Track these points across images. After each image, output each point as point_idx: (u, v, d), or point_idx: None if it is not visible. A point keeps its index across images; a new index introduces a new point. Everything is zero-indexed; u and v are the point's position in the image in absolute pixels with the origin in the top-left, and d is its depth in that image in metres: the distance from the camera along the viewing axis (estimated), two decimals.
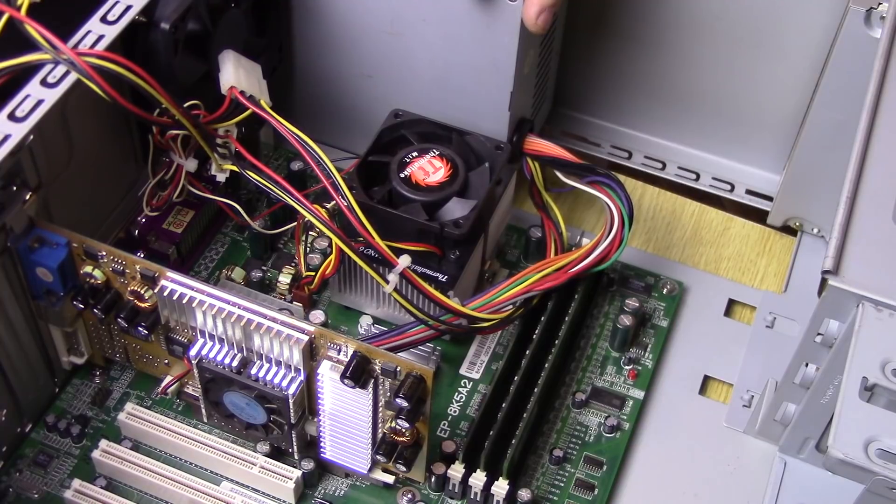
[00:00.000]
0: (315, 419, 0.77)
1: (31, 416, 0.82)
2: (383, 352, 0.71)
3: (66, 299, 0.77)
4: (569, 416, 0.85)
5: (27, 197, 0.72)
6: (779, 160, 1.02)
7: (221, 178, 0.84)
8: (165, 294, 0.73)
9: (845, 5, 0.82)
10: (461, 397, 0.86)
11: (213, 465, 0.80)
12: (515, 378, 0.81)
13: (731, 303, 0.94)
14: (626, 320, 0.87)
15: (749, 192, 1.03)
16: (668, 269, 0.95)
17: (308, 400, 0.76)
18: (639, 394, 0.87)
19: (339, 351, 0.72)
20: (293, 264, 0.91)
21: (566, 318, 0.85)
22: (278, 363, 0.74)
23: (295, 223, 0.89)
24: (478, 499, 0.79)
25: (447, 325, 0.80)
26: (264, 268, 0.92)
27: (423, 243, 0.82)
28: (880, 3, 0.81)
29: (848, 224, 0.68)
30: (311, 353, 0.73)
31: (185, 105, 0.78)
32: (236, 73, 0.82)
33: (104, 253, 0.75)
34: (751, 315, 0.93)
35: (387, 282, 0.77)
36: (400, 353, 0.76)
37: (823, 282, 0.66)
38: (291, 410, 0.75)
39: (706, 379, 0.89)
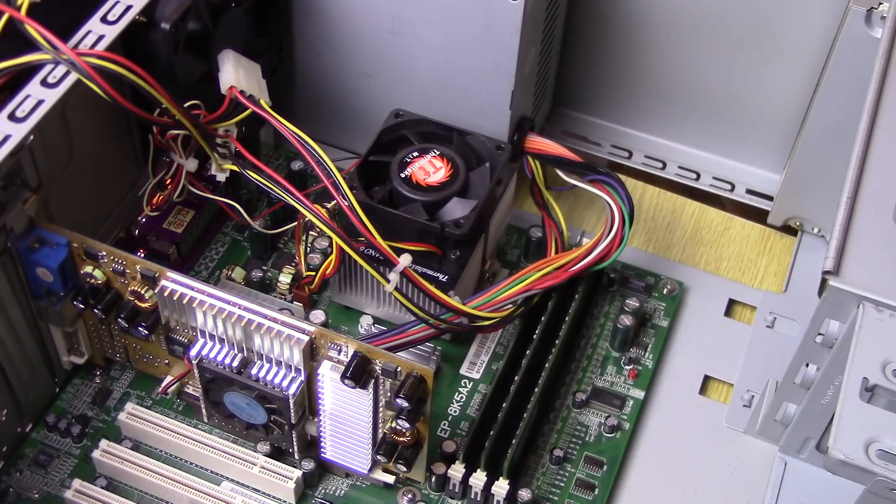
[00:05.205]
0: (315, 419, 0.77)
1: (32, 416, 0.82)
2: (384, 352, 0.71)
3: (67, 299, 0.77)
4: (569, 415, 0.85)
5: (27, 197, 0.72)
6: (779, 160, 1.02)
7: (222, 177, 0.84)
8: (166, 294, 0.73)
9: (846, 5, 0.82)
10: (461, 397, 0.86)
11: (213, 465, 0.80)
12: (516, 378, 0.81)
13: (732, 303, 0.94)
14: (627, 320, 0.87)
15: (749, 191, 1.03)
16: (668, 269, 0.95)
17: (308, 400, 0.76)
18: (639, 394, 0.87)
19: (340, 351, 0.72)
20: (293, 264, 0.91)
21: (566, 318, 0.85)
22: (279, 363, 0.74)
23: (295, 223, 0.89)
24: (478, 499, 0.79)
25: (448, 324, 0.80)
26: (265, 268, 0.92)
27: (423, 243, 0.82)
28: (881, 3, 0.81)
29: (848, 224, 0.68)
30: (312, 354, 0.73)
31: (186, 105, 0.78)
32: (236, 73, 0.82)
33: (104, 253, 0.75)
34: (751, 315, 0.93)
35: (388, 281, 0.77)
36: (400, 353, 0.76)
37: (824, 282, 0.66)
38: (292, 410, 0.75)
39: (706, 379, 0.89)
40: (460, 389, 0.86)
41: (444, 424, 0.84)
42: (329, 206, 0.81)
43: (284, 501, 0.79)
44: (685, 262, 0.97)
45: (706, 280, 0.95)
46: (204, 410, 0.80)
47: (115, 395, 0.85)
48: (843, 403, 0.61)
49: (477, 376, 0.87)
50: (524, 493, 0.78)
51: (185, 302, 0.73)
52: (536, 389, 0.81)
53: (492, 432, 0.78)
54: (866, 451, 0.60)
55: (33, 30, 0.70)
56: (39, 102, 0.71)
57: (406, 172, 0.84)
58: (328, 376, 0.72)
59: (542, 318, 0.85)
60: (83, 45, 0.74)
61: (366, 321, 0.89)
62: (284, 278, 0.89)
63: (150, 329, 0.76)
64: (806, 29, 0.92)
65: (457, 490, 0.79)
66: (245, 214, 0.89)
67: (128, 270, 0.75)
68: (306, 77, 0.98)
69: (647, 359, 0.89)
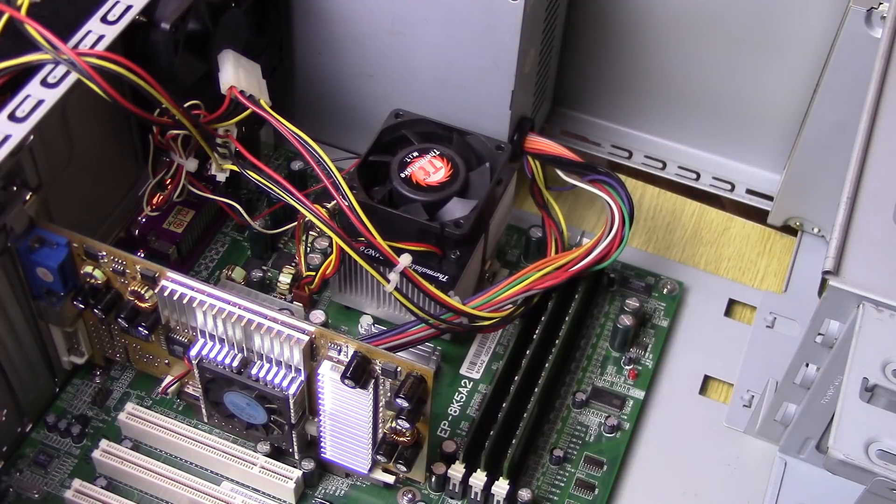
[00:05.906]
0: (315, 419, 0.77)
1: (32, 416, 0.82)
2: (384, 352, 0.71)
3: (67, 299, 0.77)
4: (569, 415, 0.85)
5: (27, 197, 0.72)
6: (779, 160, 1.02)
7: (221, 177, 0.84)
8: (166, 294, 0.73)
9: (846, 5, 0.82)
10: (461, 397, 0.86)
11: (213, 465, 0.80)
12: (516, 378, 0.81)
13: (732, 303, 0.94)
14: (627, 320, 0.87)
15: (749, 191, 1.03)
16: (668, 269, 0.95)
17: (308, 400, 0.76)
18: (639, 394, 0.87)
19: (340, 351, 0.72)
20: (293, 264, 0.91)
21: (566, 318, 0.85)
22: (279, 363, 0.74)
23: (295, 223, 0.89)
24: (478, 499, 0.79)
25: (448, 324, 0.80)
26: (265, 267, 0.92)
27: (423, 243, 0.82)
28: (881, 3, 0.81)
29: (848, 224, 0.68)
30: (312, 354, 0.73)
31: (186, 105, 0.78)
32: (236, 73, 0.82)
33: (104, 253, 0.75)
34: (751, 315, 0.93)
35: (388, 281, 0.77)
36: (400, 353, 0.76)
37: (824, 282, 0.66)
38: (292, 410, 0.75)
39: (706, 379, 0.89)
40: (460, 389, 0.86)
41: (444, 424, 0.84)
42: (329, 206, 0.81)
43: (284, 501, 0.79)
44: (685, 262, 0.97)
45: (706, 280, 0.95)
46: (204, 410, 0.80)
47: (115, 395, 0.85)
48: (843, 403, 0.61)
49: (477, 376, 0.87)
50: (524, 493, 0.78)
51: (185, 302, 0.73)
52: (536, 389, 0.81)
53: (492, 432, 0.78)
54: (866, 451, 0.60)
55: (33, 30, 0.70)
56: (39, 102, 0.71)
57: (406, 172, 0.84)
58: (328, 376, 0.72)
59: (542, 318, 0.85)
60: (83, 45, 0.74)
61: (366, 321, 0.89)
62: (284, 278, 0.89)
63: (150, 329, 0.76)
64: (806, 29, 0.92)
65: (457, 490, 0.79)
66: (245, 214, 0.89)
67: (128, 270, 0.75)
68: (306, 77, 0.98)
69: (647, 359, 0.89)
